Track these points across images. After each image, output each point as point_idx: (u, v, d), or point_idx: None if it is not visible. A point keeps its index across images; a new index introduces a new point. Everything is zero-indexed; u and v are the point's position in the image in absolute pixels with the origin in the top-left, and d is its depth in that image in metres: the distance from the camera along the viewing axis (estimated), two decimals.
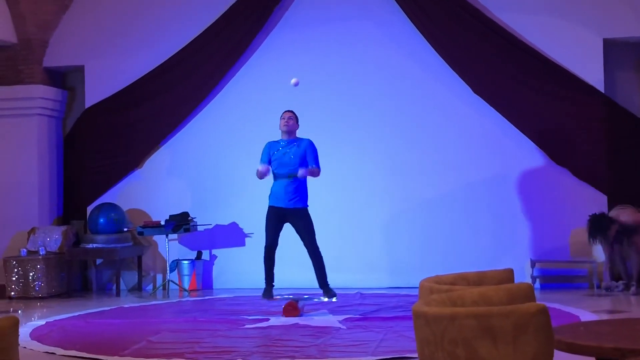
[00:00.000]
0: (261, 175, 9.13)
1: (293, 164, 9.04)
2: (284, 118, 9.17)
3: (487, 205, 10.76)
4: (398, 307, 8.99)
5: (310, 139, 9.23)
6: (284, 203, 9.03)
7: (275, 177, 9.15)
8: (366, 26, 11.09)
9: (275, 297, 9.20)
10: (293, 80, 9.12)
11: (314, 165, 9.08)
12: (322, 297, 9.28)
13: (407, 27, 10.89)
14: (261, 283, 9.23)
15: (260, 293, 9.31)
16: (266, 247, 9.14)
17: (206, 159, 11.46)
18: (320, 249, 9.13)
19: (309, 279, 9.56)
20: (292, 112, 9.23)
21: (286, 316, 8.53)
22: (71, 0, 11.73)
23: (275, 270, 9.21)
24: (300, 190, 9.08)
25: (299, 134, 9.28)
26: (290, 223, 9.16)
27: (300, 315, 8.55)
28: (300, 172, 8.98)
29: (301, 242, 9.20)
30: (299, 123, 9.29)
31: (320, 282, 9.17)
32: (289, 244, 9.49)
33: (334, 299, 9.21)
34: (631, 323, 4.48)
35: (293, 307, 8.60)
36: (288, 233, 9.29)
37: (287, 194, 9.01)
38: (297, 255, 9.76)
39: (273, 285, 9.22)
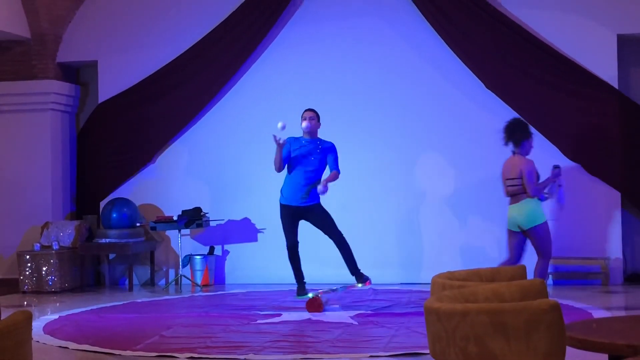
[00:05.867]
0: (277, 162, 8.67)
1: (314, 168, 8.77)
2: (305, 119, 8.79)
3: (500, 201, 10.71)
4: (410, 303, 8.99)
5: (333, 143, 8.88)
6: (297, 202, 8.78)
7: (290, 173, 8.82)
8: (379, 23, 11.05)
9: (309, 294, 8.83)
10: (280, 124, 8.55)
11: (335, 170, 8.80)
12: (356, 284, 8.98)
13: (420, 24, 10.85)
14: (274, 278, 9.22)
15: (272, 288, 9.30)
16: (288, 247, 8.82)
17: (219, 154, 11.46)
18: None
19: (330, 274, 9.51)
20: (313, 111, 8.86)
21: (310, 312, 8.50)
22: None
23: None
24: (313, 189, 8.90)
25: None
26: (306, 220, 8.91)
27: (324, 311, 8.52)
28: (320, 188, 8.68)
29: (320, 238, 9.04)
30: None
31: (351, 268, 8.90)
32: (309, 240, 9.39)
33: (367, 284, 8.95)
34: None
35: (317, 303, 8.57)
36: (304, 230, 9.12)
37: (301, 193, 8.76)
38: (318, 251, 9.78)
39: (305, 282, 8.92)
